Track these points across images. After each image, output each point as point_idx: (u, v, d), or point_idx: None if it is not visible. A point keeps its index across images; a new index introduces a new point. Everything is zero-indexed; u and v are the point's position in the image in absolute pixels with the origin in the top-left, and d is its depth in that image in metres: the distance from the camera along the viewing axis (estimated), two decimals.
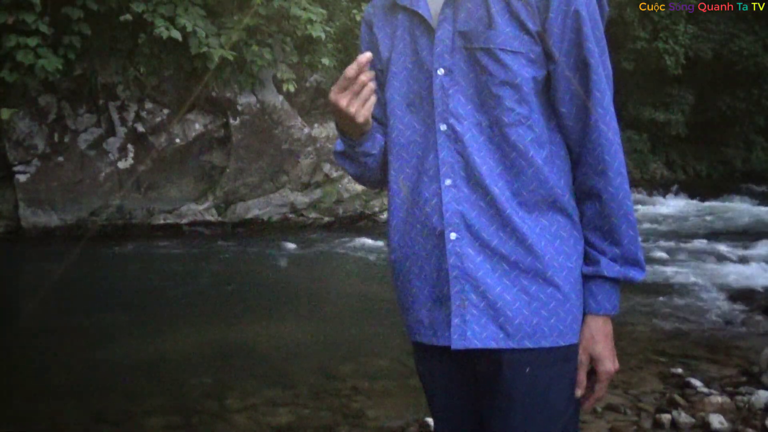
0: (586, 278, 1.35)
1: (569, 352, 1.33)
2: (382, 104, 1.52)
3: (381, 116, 1.52)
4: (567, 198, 1.35)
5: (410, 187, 1.40)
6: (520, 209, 1.32)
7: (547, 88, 1.34)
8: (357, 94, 1.32)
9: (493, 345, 1.30)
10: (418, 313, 1.40)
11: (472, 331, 1.31)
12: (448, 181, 1.34)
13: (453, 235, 1.33)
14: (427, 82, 1.37)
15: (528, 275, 1.31)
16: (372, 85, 1.32)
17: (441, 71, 1.35)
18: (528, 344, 1.30)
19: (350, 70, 1.29)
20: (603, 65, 1.33)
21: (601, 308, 1.34)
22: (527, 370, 1.30)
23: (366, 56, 1.30)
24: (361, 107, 1.33)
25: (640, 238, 1.37)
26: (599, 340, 1.34)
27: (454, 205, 1.33)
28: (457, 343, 1.32)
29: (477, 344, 1.31)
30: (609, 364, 1.34)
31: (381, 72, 1.48)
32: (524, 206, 1.32)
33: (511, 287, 1.31)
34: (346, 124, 1.37)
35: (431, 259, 1.36)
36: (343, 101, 1.32)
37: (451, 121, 1.34)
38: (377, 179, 1.54)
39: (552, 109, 1.35)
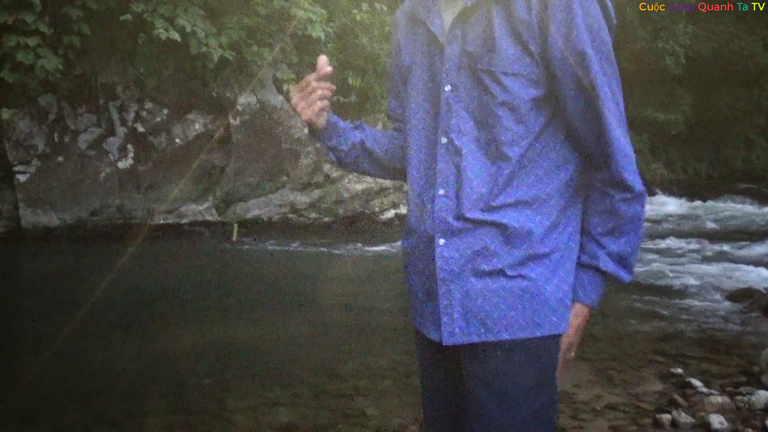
0: (580, 267, 1.44)
1: (544, 342, 1.41)
2: (401, 100, 1.63)
3: (398, 114, 1.67)
4: (554, 202, 1.42)
5: (417, 191, 1.51)
6: (506, 216, 1.40)
7: (550, 102, 1.40)
8: (308, 96, 1.53)
9: (475, 339, 1.42)
10: (416, 303, 1.55)
11: (459, 328, 1.43)
12: (441, 191, 1.44)
13: (441, 241, 1.43)
14: (437, 96, 1.46)
15: (506, 272, 1.40)
16: (320, 92, 1.53)
17: (448, 87, 1.43)
18: (506, 336, 1.40)
19: (310, 76, 1.52)
20: (613, 81, 1.38)
21: (587, 299, 1.44)
22: (503, 358, 1.41)
23: (326, 70, 1.51)
24: (306, 107, 1.55)
25: (640, 246, 1.45)
26: (571, 327, 1.44)
27: (443, 214, 1.43)
28: (447, 340, 1.44)
29: (463, 340, 1.43)
30: (569, 352, 1.47)
31: (401, 72, 1.59)
32: (511, 212, 1.40)
33: (491, 284, 1.41)
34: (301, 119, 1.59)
35: (423, 258, 1.49)
36: (295, 97, 1.55)
37: (452, 135, 1.43)
38: (367, 171, 1.70)
39: (553, 123, 1.41)
